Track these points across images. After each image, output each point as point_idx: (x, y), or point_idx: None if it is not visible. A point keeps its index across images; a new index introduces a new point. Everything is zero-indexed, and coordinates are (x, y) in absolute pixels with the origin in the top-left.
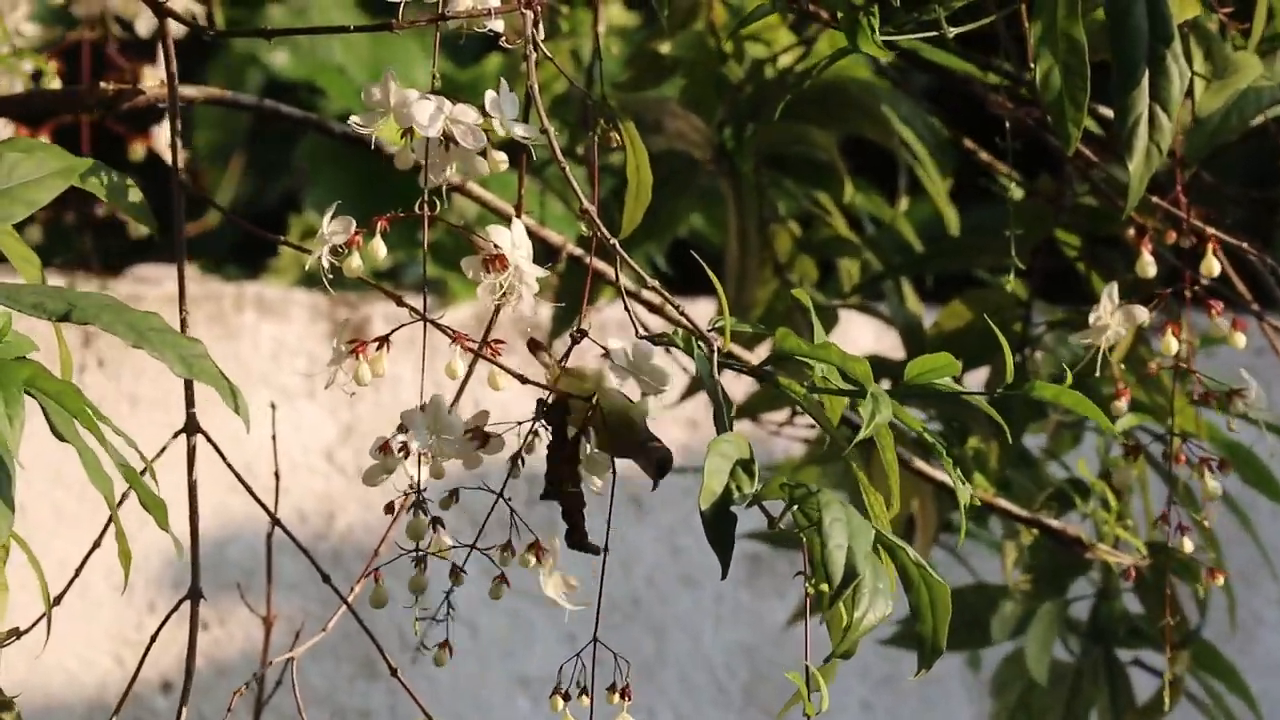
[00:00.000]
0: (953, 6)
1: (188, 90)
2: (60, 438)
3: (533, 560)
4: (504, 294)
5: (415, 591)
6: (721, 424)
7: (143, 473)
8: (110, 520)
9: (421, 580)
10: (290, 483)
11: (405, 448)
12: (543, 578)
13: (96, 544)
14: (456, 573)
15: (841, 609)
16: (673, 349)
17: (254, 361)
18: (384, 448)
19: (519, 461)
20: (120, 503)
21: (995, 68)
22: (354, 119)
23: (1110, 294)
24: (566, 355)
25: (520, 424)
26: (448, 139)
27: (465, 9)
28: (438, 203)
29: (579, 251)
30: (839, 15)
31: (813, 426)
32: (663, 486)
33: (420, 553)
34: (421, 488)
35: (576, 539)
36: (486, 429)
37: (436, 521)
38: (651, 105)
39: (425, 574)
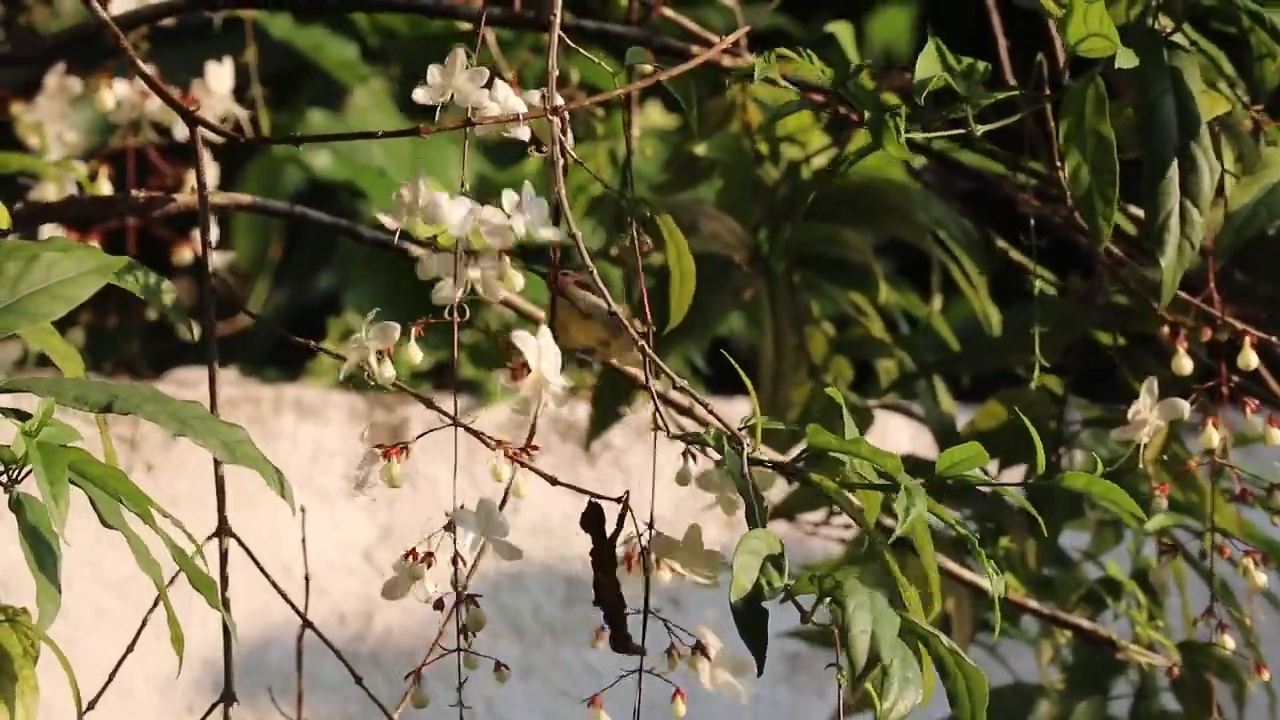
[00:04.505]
0: (979, 105)
1: (217, 198)
2: (107, 525)
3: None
4: (532, 403)
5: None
6: (753, 521)
7: (192, 556)
8: (145, 622)
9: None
10: (328, 583)
11: (430, 557)
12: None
13: (131, 646)
14: (499, 668)
15: (873, 692)
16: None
17: (293, 463)
18: (412, 555)
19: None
20: (170, 583)
21: (1023, 166)
22: (383, 216)
23: (1150, 389)
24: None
25: None
26: (470, 254)
27: (494, 115)
28: (466, 310)
29: None
30: (866, 116)
31: (849, 526)
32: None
33: (462, 650)
34: (461, 587)
35: (619, 641)
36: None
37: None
38: (687, 207)
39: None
